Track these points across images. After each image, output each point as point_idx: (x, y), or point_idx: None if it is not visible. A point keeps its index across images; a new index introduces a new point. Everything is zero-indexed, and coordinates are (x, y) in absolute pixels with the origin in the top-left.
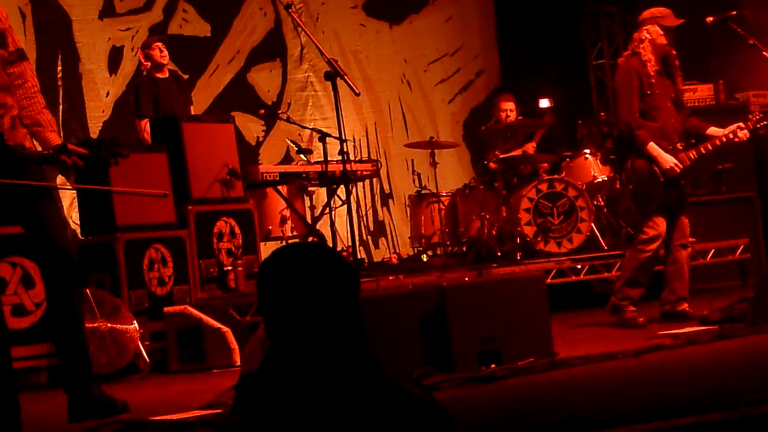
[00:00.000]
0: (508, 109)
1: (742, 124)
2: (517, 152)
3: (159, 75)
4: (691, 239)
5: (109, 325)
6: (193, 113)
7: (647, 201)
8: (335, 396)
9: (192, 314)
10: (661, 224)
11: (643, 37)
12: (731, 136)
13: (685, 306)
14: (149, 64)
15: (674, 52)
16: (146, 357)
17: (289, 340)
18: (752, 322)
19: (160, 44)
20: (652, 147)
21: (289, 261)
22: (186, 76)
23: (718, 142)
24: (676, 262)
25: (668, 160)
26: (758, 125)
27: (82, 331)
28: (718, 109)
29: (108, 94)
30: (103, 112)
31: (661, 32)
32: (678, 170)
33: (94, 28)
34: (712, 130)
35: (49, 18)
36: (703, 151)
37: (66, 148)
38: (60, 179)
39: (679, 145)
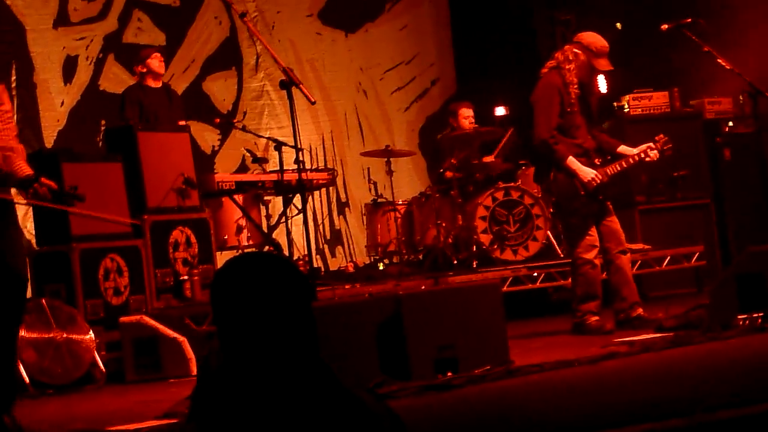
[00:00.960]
0: (465, 116)
1: (652, 145)
2: (474, 161)
3: (152, 84)
4: (632, 245)
5: (65, 335)
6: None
7: (569, 214)
8: (289, 405)
9: (148, 324)
10: (592, 233)
11: (572, 59)
12: (643, 155)
13: (640, 310)
14: (145, 70)
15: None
16: (102, 367)
17: (243, 350)
18: (708, 329)
19: (159, 54)
20: (571, 161)
21: (242, 271)
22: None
23: (631, 161)
24: (619, 270)
25: (588, 173)
26: (664, 147)
27: (14, 361)
28: (674, 116)
29: (63, 103)
30: (58, 121)
31: (585, 63)
32: (597, 183)
33: (48, 37)
34: (623, 149)
35: (2, 27)
36: (619, 168)
37: (39, 179)
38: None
39: (596, 161)
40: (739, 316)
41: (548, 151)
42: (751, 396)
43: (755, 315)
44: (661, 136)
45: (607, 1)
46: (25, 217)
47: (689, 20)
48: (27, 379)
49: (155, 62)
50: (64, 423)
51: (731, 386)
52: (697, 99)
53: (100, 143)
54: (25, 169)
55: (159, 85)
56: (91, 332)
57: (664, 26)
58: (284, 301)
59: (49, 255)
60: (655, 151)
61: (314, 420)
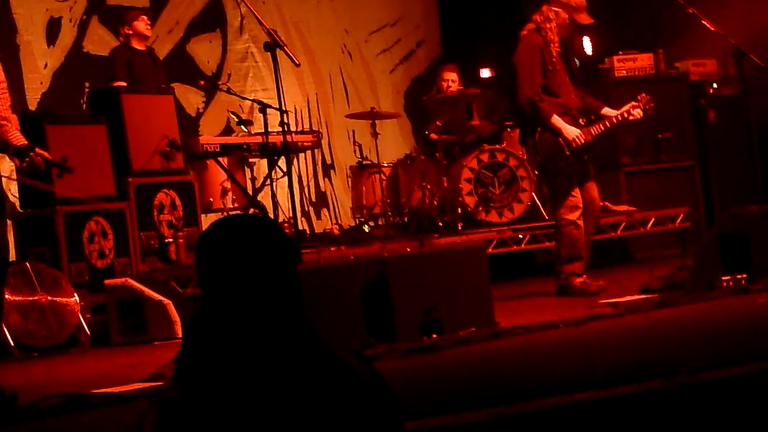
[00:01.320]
0: (450, 79)
1: (635, 103)
2: (459, 122)
3: (137, 46)
4: (617, 207)
5: (49, 298)
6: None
7: (554, 174)
8: (274, 366)
9: (133, 287)
10: (575, 194)
11: (551, 17)
12: (626, 114)
13: (579, 281)
14: (131, 32)
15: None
16: (87, 330)
17: (228, 313)
18: (692, 290)
19: (145, 17)
20: (556, 120)
21: (226, 233)
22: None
23: (615, 120)
24: (585, 236)
25: (572, 132)
26: (647, 106)
27: None
28: (659, 78)
29: (46, 65)
30: (41, 83)
31: (568, 21)
32: (581, 142)
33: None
34: (607, 110)
35: None
36: (603, 128)
37: (34, 148)
38: None
39: (581, 121)
40: (723, 278)
41: (533, 108)
42: (735, 357)
43: (739, 276)
44: (643, 95)
45: None
46: (8, 180)
47: None
48: (12, 343)
49: (142, 24)
50: (49, 386)
51: (715, 347)
52: (681, 61)
53: (84, 106)
54: (20, 139)
55: (144, 48)
56: (75, 295)
57: None
58: (269, 264)
59: (33, 218)
60: (639, 110)
61: (299, 383)
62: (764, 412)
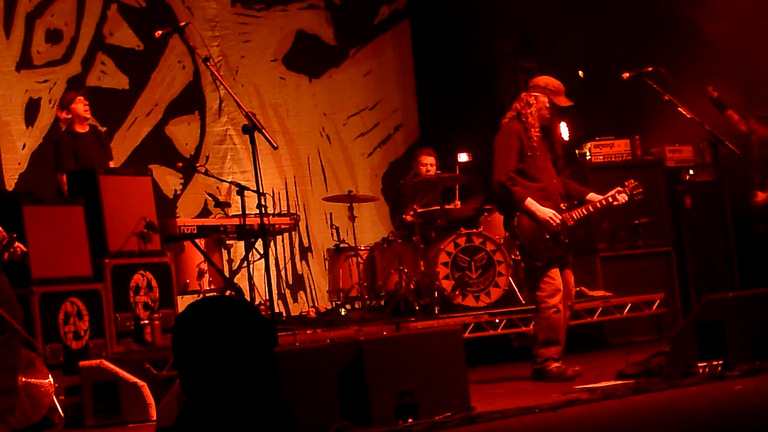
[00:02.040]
0: (428, 163)
1: (620, 188)
2: (436, 206)
3: (79, 129)
4: (594, 292)
5: (23, 379)
6: (111, 167)
7: (533, 257)
8: None
9: (108, 368)
10: (556, 277)
11: (531, 102)
12: (611, 199)
13: (556, 366)
14: (70, 116)
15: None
16: (61, 412)
17: (204, 394)
18: (668, 376)
19: (82, 98)
20: (530, 202)
21: (203, 315)
22: (104, 129)
23: (598, 205)
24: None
25: (546, 212)
26: (634, 192)
27: None
28: (635, 164)
29: (24, 146)
30: (20, 164)
31: (548, 105)
32: (557, 221)
33: (11, 79)
34: (592, 196)
35: None
36: (586, 213)
37: (14, 240)
38: None
39: (562, 206)
40: (699, 364)
41: (505, 192)
42: None
43: (715, 363)
44: (631, 180)
45: (569, 49)
46: None
47: (650, 69)
48: None
49: (80, 107)
50: None
51: None
52: (658, 147)
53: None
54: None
55: (86, 129)
56: (50, 376)
57: (626, 75)
58: (246, 346)
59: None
60: (624, 195)
61: None
62: None
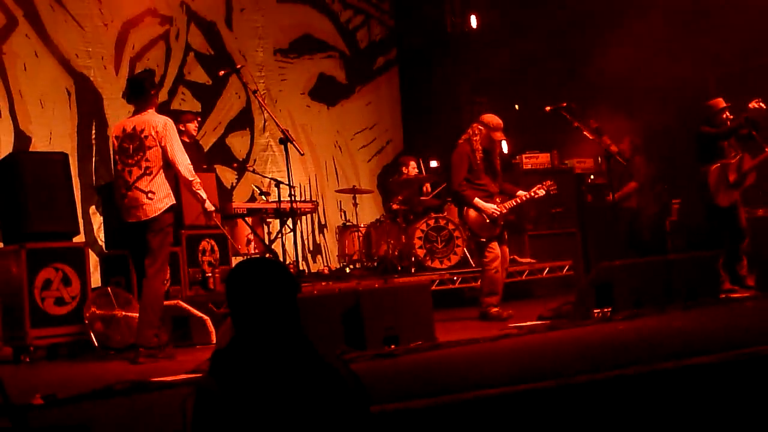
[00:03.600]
0: (411, 166)
1: (540, 185)
2: (414, 197)
3: (186, 140)
4: (523, 259)
5: (123, 313)
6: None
7: (479, 236)
8: (282, 365)
9: (182, 306)
10: (495, 248)
11: (477, 132)
12: (533, 194)
13: (495, 310)
14: (183, 128)
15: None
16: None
17: (248, 326)
18: (574, 318)
19: (196, 121)
20: (477, 201)
21: (248, 270)
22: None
23: (524, 198)
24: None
25: (489, 207)
26: (550, 188)
27: None
28: (553, 170)
29: None
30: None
31: (486, 135)
32: (498, 213)
33: (119, 105)
34: (520, 192)
35: (88, 97)
36: (515, 204)
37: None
38: None
39: (498, 199)
40: (595, 310)
41: (459, 196)
42: (602, 365)
43: (606, 310)
44: (549, 181)
45: (510, 88)
46: (99, 228)
47: (564, 104)
48: (96, 343)
49: (192, 126)
50: (120, 374)
51: (589, 359)
52: (569, 158)
53: None
54: None
55: (190, 141)
56: None
57: (547, 108)
58: (278, 293)
59: (113, 257)
60: (543, 190)
61: (299, 377)
62: (623, 408)
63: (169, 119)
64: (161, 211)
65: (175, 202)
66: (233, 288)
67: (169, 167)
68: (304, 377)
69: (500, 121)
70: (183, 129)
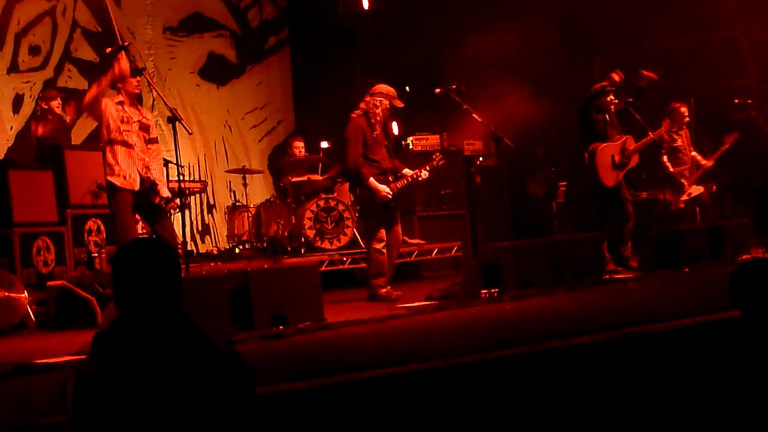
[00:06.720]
0: (299, 147)
1: (426, 166)
2: (304, 177)
3: (50, 117)
4: (412, 240)
5: (5, 293)
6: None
7: (369, 218)
8: (165, 346)
9: (68, 287)
10: (382, 233)
11: (377, 104)
12: (416, 176)
13: (384, 291)
14: (46, 106)
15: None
16: (33, 317)
17: (131, 307)
18: (462, 299)
19: (59, 98)
20: (372, 182)
21: (134, 251)
22: (68, 117)
23: (410, 179)
24: (388, 260)
25: (382, 190)
26: (439, 162)
27: None
28: (443, 152)
29: (11, 128)
30: (8, 141)
31: (388, 106)
32: (389, 197)
33: (2, 80)
34: (406, 171)
35: None
36: (405, 183)
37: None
38: None
39: (390, 178)
40: (483, 291)
41: (356, 172)
42: (489, 345)
43: (493, 290)
44: (438, 154)
45: (399, 70)
46: None
47: (454, 87)
48: None
49: (56, 102)
50: (3, 356)
51: (475, 338)
52: (458, 140)
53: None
54: None
55: (53, 118)
56: (25, 292)
57: (437, 90)
58: (160, 273)
59: None
60: (425, 171)
61: (181, 358)
62: (510, 388)
63: None
64: None
65: None
66: (117, 269)
67: None
68: (187, 358)
69: (395, 90)
70: (46, 107)
